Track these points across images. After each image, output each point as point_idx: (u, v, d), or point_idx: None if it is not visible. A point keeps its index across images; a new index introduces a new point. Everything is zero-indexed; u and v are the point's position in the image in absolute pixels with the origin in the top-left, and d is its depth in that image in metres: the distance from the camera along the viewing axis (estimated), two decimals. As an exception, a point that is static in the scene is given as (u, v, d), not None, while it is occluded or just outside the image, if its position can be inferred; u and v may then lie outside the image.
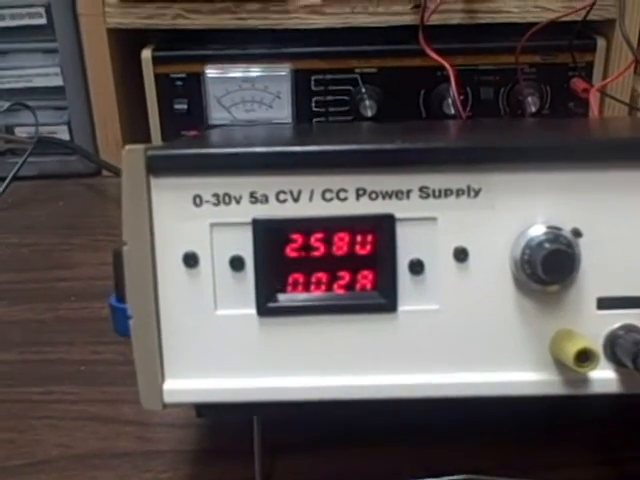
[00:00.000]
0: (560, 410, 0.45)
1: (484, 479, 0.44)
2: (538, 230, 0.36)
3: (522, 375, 0.38)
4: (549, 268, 0.35)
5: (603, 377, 0.38)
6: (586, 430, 0.47)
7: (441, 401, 0.39)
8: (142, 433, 0.49)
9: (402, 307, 0.38)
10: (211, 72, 0.81)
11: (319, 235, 0.38)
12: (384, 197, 0.37)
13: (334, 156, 0.37)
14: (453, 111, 0.77)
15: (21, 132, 0.89)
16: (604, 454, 0.46)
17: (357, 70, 0.81)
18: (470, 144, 0.39)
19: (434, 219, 0.37)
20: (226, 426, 0.49)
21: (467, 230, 0.37)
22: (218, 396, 0.39)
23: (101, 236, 0.75)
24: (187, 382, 0.38)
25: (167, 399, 0.38)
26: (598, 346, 0.37)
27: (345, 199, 0.37)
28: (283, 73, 0.80)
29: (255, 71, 0.81)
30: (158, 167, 0.37)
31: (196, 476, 0.46)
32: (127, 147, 0.37)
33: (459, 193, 0.37)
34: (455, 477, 0.44)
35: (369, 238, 0.37)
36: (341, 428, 0.48)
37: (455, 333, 0.38)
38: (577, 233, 0.36)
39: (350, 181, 0.37)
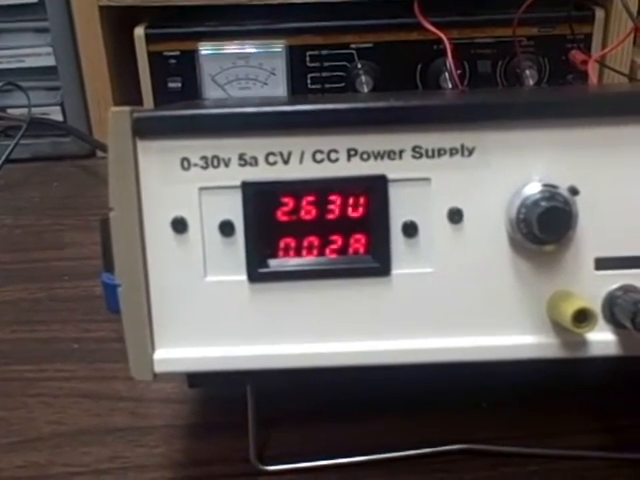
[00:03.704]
0: (558, 378, 0.44)
1: (481, 448, 0.43)
2: (534, 188, 0.36)
3: (519, 338, 0.37)
4: (545, 226, 0.34)
5: (602, 339, 0.37)
6: (585, 398, 0.47)
7: (436, 368, 0.38)
8: (135, 409, 0.49)
9: (396, 270, 0.37)
10: (205, 49, 0.80)
11: (310, 198, 0.37)
12: (376, 157, 0.36)
13: (324, 115, 0.36)
14: (450, 85, 0.76)
15: (14, 114, 0.88)
16: (603, 422, 0.45)
17: (353, 45, 0.80)
18: (463, 102, 0.38)
19: (427, 180, 0.37)
20: (219, 400, 0.48)
21: (461, 190, 0.36)
22: (209, 364, 0.38)
23: (94, 217, 0.74)
24: (177, 351, 0.38)
25: (157, 368, 0.38)
26: (596, 307, 0.36)
27: (336, 160, 0.36)
28: (278, 49, 0.79)
29: (249, 48, 0.79)
30: (144, 129, 0.36)
31: (189, 450, 0.45)
32: (113, 109, 0.36)
33: (453, 152, 0.36)
34: (452, 447, 0.43)
35: (361, 200, 0.37)
36: (335, 398, 0.47)
37: (450, 296, 0.37)
38: (574, 191, 0.36)
39: (341, 141, 0.36)
